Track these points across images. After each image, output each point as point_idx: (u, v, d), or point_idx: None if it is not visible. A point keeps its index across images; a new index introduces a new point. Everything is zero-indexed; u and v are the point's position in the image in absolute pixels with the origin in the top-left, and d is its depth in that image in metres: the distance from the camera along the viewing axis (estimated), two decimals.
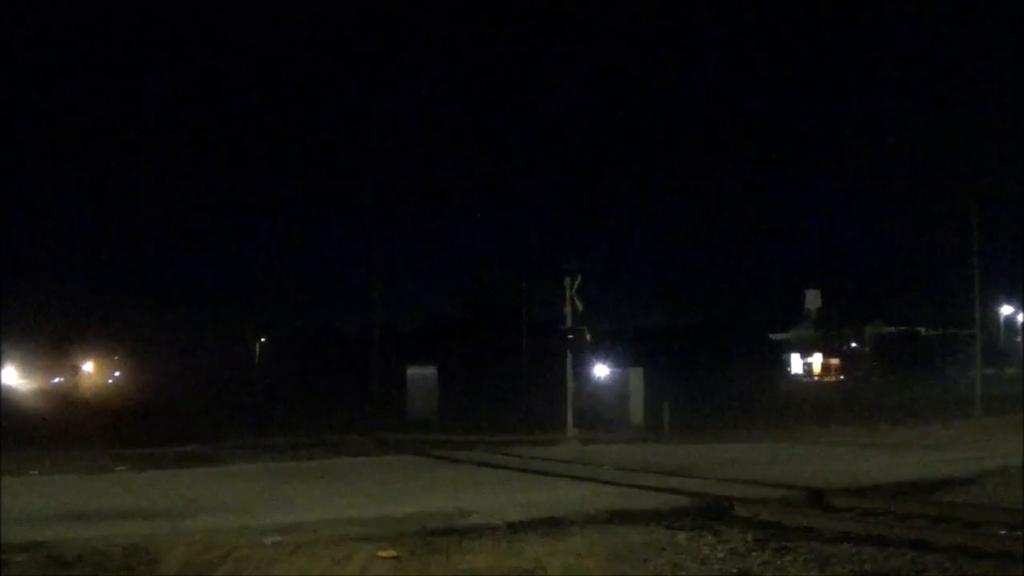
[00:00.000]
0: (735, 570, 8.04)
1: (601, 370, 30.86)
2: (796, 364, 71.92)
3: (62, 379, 59.83)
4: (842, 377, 65.14)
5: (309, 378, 45.48)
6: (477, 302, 57.03)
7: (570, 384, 23.74)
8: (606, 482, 13.64)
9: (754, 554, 8.56)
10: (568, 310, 23.69)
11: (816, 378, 68.17)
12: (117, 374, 64.91)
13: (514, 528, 9.85)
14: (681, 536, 9.39)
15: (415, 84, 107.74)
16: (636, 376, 28.43)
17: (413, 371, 35.63)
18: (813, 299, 76.73)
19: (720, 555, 8.58)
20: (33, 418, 29.57)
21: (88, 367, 62.31)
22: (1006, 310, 54.66)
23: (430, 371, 35.65)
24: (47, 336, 55.27)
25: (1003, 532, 9.20)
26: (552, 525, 10.01)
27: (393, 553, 8.67)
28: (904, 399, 35.74)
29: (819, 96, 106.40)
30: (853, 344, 70.29)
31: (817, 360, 71.34)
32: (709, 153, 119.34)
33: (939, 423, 25.69)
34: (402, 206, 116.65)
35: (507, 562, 8.48)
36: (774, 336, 67.95)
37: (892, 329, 67.50)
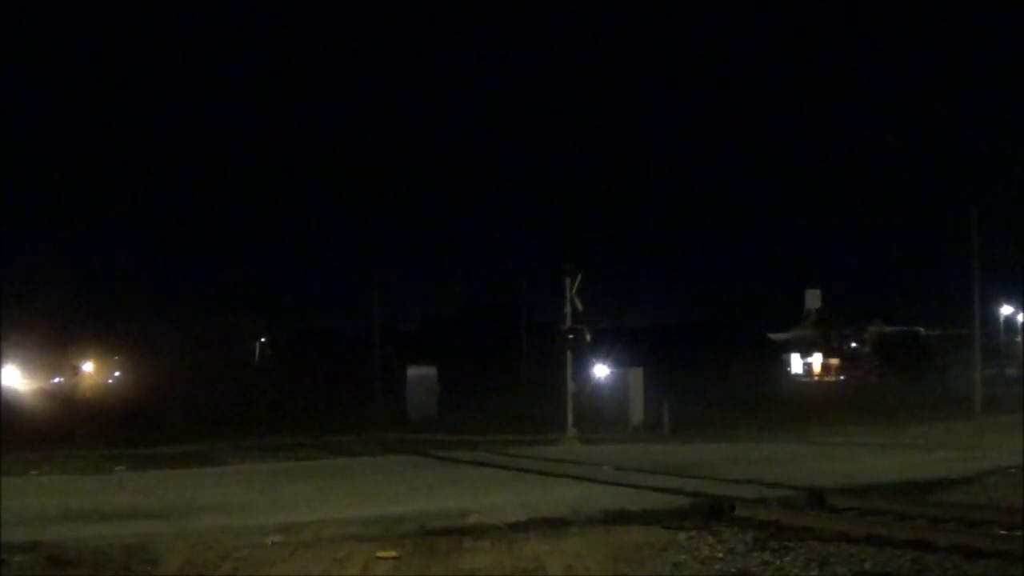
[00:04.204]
0: (735, 570, 8.05)
1: (601, 370, 30.83)
2: (796, 364, 71.94)
3: (62, 379, 59.73)
4: (842, 377, 65.16)
5: (309, 378, 45.38)
6: (477, 302, 57.08)
7: (570, 384, 23.71)
8: (606, 482, 13.64)
9: (754, 554, 8.56)
10: (568, 310, 23.68)
11: (816, 378, 68.19)
12: (117, 374, 64.79)
13: (514, 528, 9.86)
14: (681, 536, 9.39)
15: (415, 83, 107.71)
16: (636, 376, 28.41)
17: (413, 371, 35.59)
18: (813, 299, 76.86)
19: (720, 555, 8.58)
20: (33, 418, 29.54)
21: (88, 367, 62.17)
22: (1006, 310, 54.63)
23: (430, 371, 35.62)
24: (47, 336, 55.13)
25: (1003, 532, 9.20)
26: (552, 525, 10.02)
27: (393, 553, 8.67)
28: (904, 399, 35.73)
29: (819, 96, 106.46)
30: (853, 344, 70.35)
31: (817, 360, 71.37)
32: (709, 153, 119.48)
33: (939, 423, 25.69)
34: (402, 206, 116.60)
35: (507, 562, 8.48)
36: (774, 336, 67.88)
37: (892, 329, 67.55)
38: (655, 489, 12.46)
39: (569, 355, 24.00)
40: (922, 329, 66.17)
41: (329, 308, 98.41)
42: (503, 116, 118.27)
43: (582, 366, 27.96)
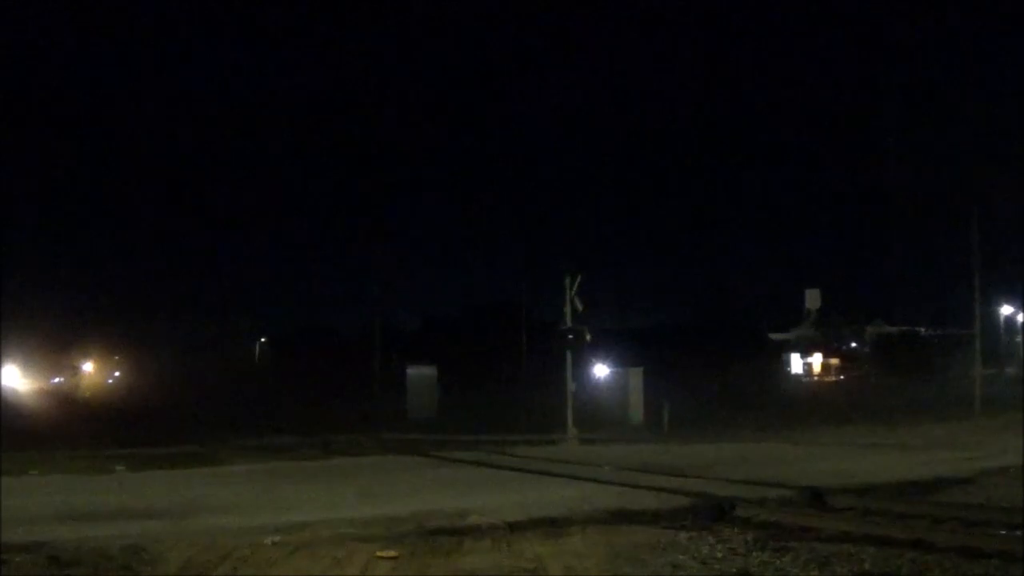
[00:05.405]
0: (735, 570, 8.04)
1: (601, 370, 30.87)
2: (796, 364, 71.85)
3: (62, 379, 59.76)
4: (842, 377, 65.12)
5: (309, 378, 45.38)
6: (477, 302, 57.07)
7: (570, 384, 23.74)
8: (606, 482, 13.65)
9: (754, 554, 8.56)
10: (568, 310, 23.70)
11: (816, 378, 68.11)
12: (117, 374, 64.81)
13: (514, 528, 9.85)
14: (681, 536, 9.39)
15: (415, 83, 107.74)
16: (636, 376, 28.46)
17: (413, 371, 35.64)
18: (813, 299, 76.74)
19: (720, 555, 8.57)
20: (33, 418, 29.55)
21: (88, 367, 62.20)
22: (1006, 310, 54.57)
23: (430, 371, 35.66)
24: (47, 336, 55.18)
25: (1003, 532, 9.20)
26: (552, 525, 10.01)
27: (393, 553, 8.67)
28: (904, 399, 35.70)
29: (819, 96, 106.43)
30: (853, 344, 70.33)
31: (817, 360, 71.30)
32: (709, 153, 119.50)
33: (939, 423, 25.66)
34: (402, 206, 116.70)
35: (507, 562, 8.47)
36: (774, 336, 67.86)
37: (892, 329, 67.52)
38: (655, 489, 12.46)
39: (569, 355, 24.03)
40: (922, 329, 66.14)
41: (329, 307, 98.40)
42: (503, 116, 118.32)
43: (582, 366, 28.00)
